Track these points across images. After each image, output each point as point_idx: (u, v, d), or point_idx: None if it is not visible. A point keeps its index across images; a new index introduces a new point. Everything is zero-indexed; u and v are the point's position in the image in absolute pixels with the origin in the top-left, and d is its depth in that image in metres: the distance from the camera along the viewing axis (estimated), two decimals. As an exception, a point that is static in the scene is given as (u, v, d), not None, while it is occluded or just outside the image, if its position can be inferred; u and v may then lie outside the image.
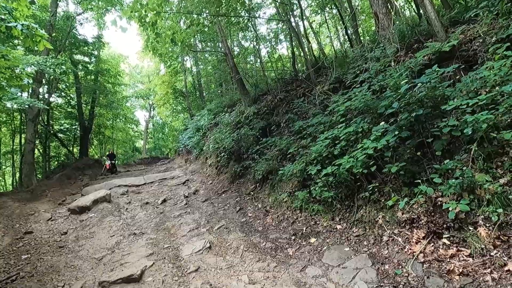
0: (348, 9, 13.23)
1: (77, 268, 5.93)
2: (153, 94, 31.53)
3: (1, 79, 6.31)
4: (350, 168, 4.98)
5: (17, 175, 18.50)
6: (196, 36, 16.96)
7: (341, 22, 14.79)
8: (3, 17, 5.89)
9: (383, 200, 4.73)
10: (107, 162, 17.28)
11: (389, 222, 4.45)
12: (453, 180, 3.75)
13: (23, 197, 11.31)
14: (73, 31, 18.18)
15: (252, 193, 8.32)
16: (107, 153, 19.06)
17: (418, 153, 4.55)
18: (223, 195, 9.24)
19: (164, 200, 9.72)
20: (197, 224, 7.24)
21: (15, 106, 11.95)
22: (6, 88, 6.96)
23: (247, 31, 17.19)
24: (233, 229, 6.57)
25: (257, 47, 16.99)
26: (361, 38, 11.71)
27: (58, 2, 15.82)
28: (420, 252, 3.75)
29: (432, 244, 3.78)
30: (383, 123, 4.93)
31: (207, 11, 9.09)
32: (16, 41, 13.43)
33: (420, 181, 4.15)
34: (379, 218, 4.60)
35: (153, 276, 5.03)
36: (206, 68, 22.94)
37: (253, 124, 10.11)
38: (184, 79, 23.38)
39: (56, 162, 21.12)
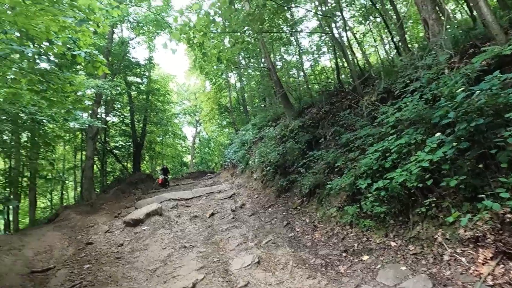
0: (394, 17, 12.86)
1: (133, 279, 6.21)
2: (199, 111, 32.78)
3: (68, 102, 6.96)
4: (404, 181, 4.74)
5: (78, 189, 20.01)
6: (239, 53, 17.44)
7: (386, 30, 14.40)
8: (69, 46, 6.51)
9: (441, 216, 4.43)
10: (160, 177, 17.98)
11: (450, 240, 4.15)
12: (524, 195, 3.42)
13: (84, 210, 12.18)
14: (126, 55, 19.60)
15: (299, 207, 8.22)
16: (160, 168, 19.88)
17: (480, 166, 4.21)
18: (270, 209, 9.23)
19: (212, 214, 9.92)
20: (245, 238, 7.28)
21: (77, 126, 13.07)
22: (73, 111, 7.65)
23: (289, 45, 17.36)
24: (281, 244, 6.50)
25: (300, 60, 17.04)
26: (409, 46, 11.27)
27: (113, 29, 17.21)
28: (489, 274, 3.44)
29: (502, 265, 3.45)
30: (438, 134, 4.66)
31: (251, 29, 9.33)
32: (78, 67, 14.77)
33: (484, 195, 3.83)
34: (438, 236, 4.31)
35: (204, 290, 5.12)
36: (250, 83, 23.41)
37: (298, 137, 10.05)
38: (229, 95, 24.03)
39: (112, 177, 22.55)
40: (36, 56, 6.64)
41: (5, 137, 11.38)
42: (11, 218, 14.40)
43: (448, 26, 6.92)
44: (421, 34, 14.13)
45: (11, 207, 12.23)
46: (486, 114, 4.23)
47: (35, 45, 6.37)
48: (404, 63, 7.86)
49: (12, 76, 7.16)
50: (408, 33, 14.45)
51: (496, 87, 4.18)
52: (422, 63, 6.31)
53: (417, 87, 5.93)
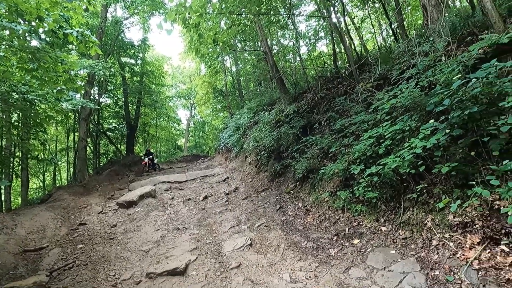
0: (392, 2, 12.69)
1: (126, 259, 6.27)
2: (194, 94, 32.55)
3: (60, 82, 6.83)
4: (396, 168, 4.78)
5: (71, 170, 19.92)
6: (236, 36, 17.18)
7: (384, 16, 14.24)
8: (61, 25, 6.34)
9: (432, 202, 4.50)
10: (145, 159, 18.03)
11: (439, 226, 4.22)
12: (513, 183, 3.47)
13: (77, 191, 12.16)
14: (120, 35, 19.19)
15: (292, 192, 8.29)
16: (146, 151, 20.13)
17: (472, 153, 4.26)
18: (263, 193, 9.30)
19: (206, 197, 9.97)
20: (237, 221, 7.35)
21: (69, 106, 12.86)
22: (65, 91, 7.52)
23: (286, 29, 17.14)
24: (274, 227, 6.58)
25: (296, 45, 16.84)
26: (407, 33, 11.17)
27: (108, 8, 16.79)
28: (475, 258, 3.52)
29: (489, 250, 3.53)
30: (432, 120, 4.67)
31: (248, 11, 9.16)
32: (70, 46, 14.45)
33: (474, 183, 3.88)
34: (428, 221, 4.38)
35: (196, 270, 5.19)
36: (246, 67, 23.20)
37: (293, 122, 10.04)
38: (224, 79, 23.82)
39: (105, 159, 22.49)
40: (26, 34, 6.48)
41: (-5, 115, 11.21)
42: (3, 198, 14.35)
43: (447, 14, 6.86)
44: (420, 21, 14.02)
45: (2, 186, 12.14)
46: (481, 102, 4.24)
47: (25, 22, 6.18)
48: (401, 50, 7.82)
49: (1, 54, 7.00)
50: (406, 19, 14.31)
51: (492, 75, 4.18)
52: (419, 50, 6.28)
53: (413, 73, 5.92)
